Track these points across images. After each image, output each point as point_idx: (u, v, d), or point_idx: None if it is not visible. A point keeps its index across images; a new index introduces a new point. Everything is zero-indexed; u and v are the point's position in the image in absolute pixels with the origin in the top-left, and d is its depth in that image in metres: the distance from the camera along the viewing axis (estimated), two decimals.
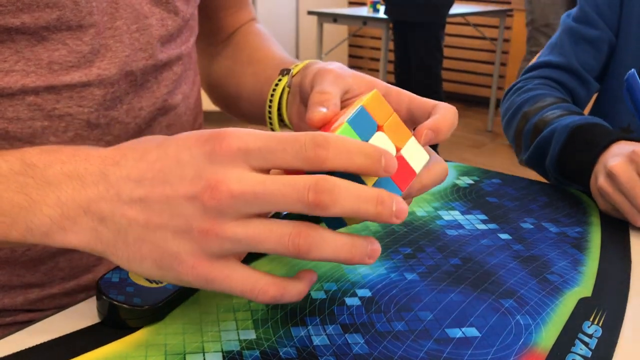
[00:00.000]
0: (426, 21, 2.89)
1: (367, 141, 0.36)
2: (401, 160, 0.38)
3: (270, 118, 0.56)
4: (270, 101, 0.56)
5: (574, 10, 0.95)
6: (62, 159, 0.37)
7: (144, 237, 0.35)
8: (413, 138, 0.39)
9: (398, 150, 0.38)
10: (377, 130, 0.37)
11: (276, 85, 0.56)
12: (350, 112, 0.38)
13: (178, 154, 0.35)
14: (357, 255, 0.34)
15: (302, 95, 0.50)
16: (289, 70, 0.55)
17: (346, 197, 0.32)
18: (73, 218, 0.36)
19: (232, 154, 0.34)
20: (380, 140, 0.37)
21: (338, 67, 0.48)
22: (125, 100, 0.52)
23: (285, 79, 0.55)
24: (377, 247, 0.35)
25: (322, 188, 0.32)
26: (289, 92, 0.55)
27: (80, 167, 0.37)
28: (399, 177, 0.37)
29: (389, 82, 0.47)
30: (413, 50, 3.00)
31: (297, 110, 0.52)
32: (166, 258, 0.35)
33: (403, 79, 3.14)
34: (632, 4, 0.88)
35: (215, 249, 0.34)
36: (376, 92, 0.39)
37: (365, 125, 0.37)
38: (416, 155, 0.39)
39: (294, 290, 0.36)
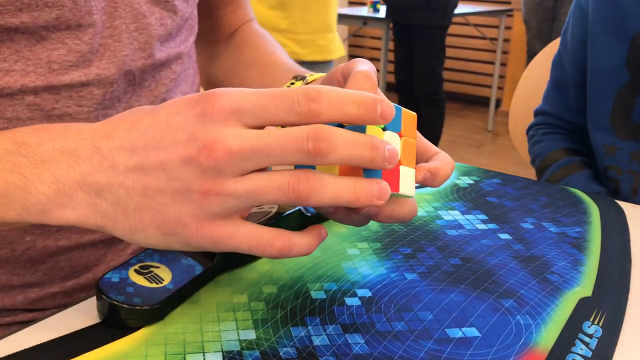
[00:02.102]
0: (430, 24, 2.90)
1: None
2: (395, 172, 0.37)
3: None
4: None
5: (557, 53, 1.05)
6: (53, 136, 0.37)
7: (143, 205, 0.35)
8: (414, 171, 0.39)
9: (399, 164, 0.37)
10: (397, 134, 0.37)
11: (288, 87, 0.56)
12: None
13: (169, 119, 0.35)
14: (361, 196, 0.34)
15: None
16: (304, 77, 0.55)
17: (343, 143, 0.32)
18: (69, 194, 0.36)
19: (224, 113, 0.33)
20: (394, 143, 0.37)
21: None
22: (123, 100, 0.52)
23: (298, 84, 0.55)
24: (384, 186, 0.34)
25: (320, 136, 0.32)
26: None
27: (72, 142, 0.37)
28: (387, 179, 0.36)
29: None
30: (416, 51, 3.00)
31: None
32: (169, 223, 0.35)
33: (404, 78, 3.14)
34: (596, 36, 0.92)
35: (217, 208, 0.34)
36: (415, 116, 0.39)
37: (392, 122, 0.36)
38: (408, 181, 0.38)
39: (302, 242, 0.36)
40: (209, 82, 0.74)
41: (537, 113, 1.08)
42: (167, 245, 0.36)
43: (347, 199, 0.34)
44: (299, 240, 0.36)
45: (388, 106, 0.33)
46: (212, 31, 0.73)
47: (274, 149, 0.33)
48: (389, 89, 3.93)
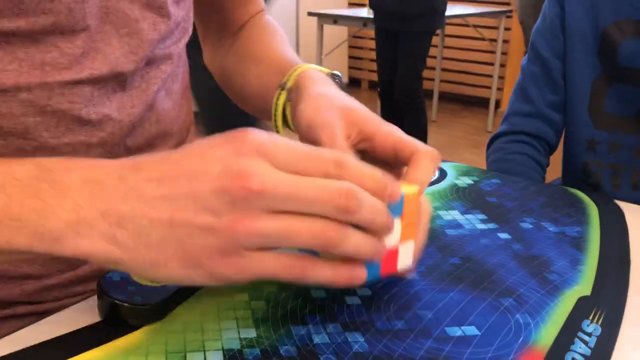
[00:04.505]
0: (419, 30, 2.87)
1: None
2: (394, 253, 0.41)
3: (276, 127, 0.58)
4: (276, 115, 0.57)
5: (528, 53, 1.01)
6: (80, 166, 0.36)
7: (168, 236, 0.34)
8: (413, 242, 0.42)
9: (398, 244, 0.42)
10: (399, 217, 0.40)
11: (277, 99, 0.56)
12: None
13: (202, 151, 0.35)
14: (367, 253, 0.37)
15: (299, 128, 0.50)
16: (284, 85, 0.56)
17: (367, 207, 0.35)
18: (89, 222, 0.34)
19: (259, 150, 0.34)
20: (396, 226, 0.40)
21: (327, 109, 0.47)
22: (114, 99, 0.52)
23: (283, 95, 0.56)
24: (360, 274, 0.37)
25: (353, 194, 0.34)
26: (290, 104, 0.56)
27: (98, 173, 0.36)
28: (385, 263, 0.41)
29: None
30: (402, 55, 2.95)
31: (297, 124, 0.52)
32: (193, 255, 0.34)
33: (387, 80, 3.09)
34: (572, 27, 0.93)
35: (245, 242, 0.34)
36: (418, 191, 0.42)
37: (396, 207, 0.40)
38: (406, 256, 0.42)
39: (322, 270, 0.36)
40: (222, 76, 0.74)
41: (507, 117, 1.02)
42: (188, 278, 0.35)
43: (363, 255, 0.37)
44: (320, 267, 0.36)
45: (396, 190, 0.37)
46: (223, 27, 0.73)
47: (308, 197, 0.34)
48: None
